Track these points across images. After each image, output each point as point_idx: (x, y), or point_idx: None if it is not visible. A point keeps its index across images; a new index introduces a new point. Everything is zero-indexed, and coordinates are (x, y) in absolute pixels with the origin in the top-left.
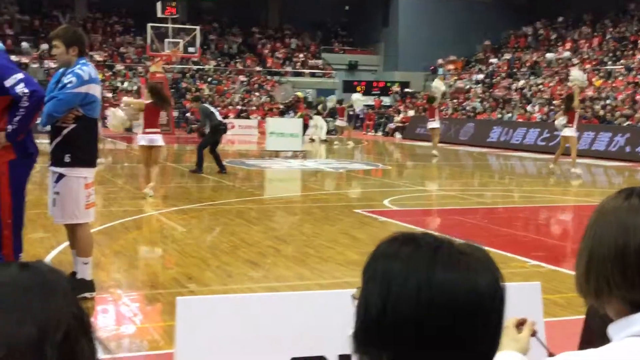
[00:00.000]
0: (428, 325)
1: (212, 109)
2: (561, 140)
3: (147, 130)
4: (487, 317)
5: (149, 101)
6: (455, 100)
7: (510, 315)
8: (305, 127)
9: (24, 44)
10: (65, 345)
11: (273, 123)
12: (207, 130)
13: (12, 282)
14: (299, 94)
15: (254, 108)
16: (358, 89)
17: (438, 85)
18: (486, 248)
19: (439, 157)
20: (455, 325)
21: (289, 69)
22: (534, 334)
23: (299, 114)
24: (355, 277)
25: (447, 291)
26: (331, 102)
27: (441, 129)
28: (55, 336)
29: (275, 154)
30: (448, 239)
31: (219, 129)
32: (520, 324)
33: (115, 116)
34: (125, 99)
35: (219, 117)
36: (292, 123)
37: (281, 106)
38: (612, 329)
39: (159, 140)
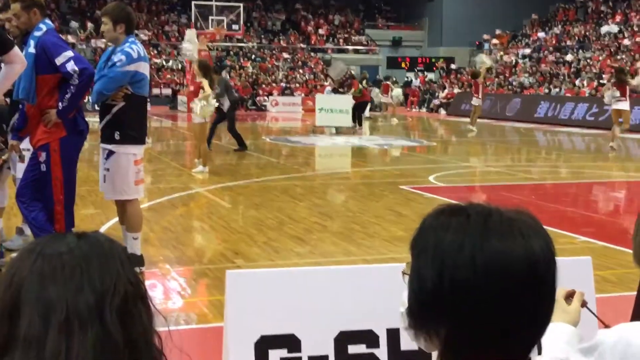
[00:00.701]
0: (485, 292)
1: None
2: (613, 115)
3: None
4: (543, 282)
5: (200, 79)
6: (501, 76)
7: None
8: (366, 103)
9: (72, 23)
10: (124, 310)
11: (323, 99)
12: (225, 106)
13: (69, 251)
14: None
15: (298, 85)
16: (402, 65)
17: (484, 60)
18: None
19: (476, 133)
20: (513, 291)
21: (332, 45)
22: (584, 304)
23: (352, 91)
24: (401, 252)
25: (502, 257)
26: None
27: (486, 105)
28: (113, 301)
29: (321, 131)
30: (496, 207)
31: (237, 104)
32: (569, 296)
33: (202, 108)
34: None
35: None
36: (342, 99)
37: (333, 84)
38: None
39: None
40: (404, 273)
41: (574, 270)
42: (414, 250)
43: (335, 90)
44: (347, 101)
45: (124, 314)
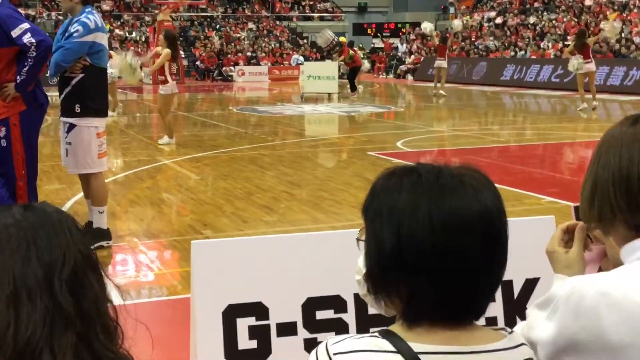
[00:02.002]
0: (444, 249)
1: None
2: (578, 77)
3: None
4: (499, 235)
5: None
6: (467, 40)
7: (523, 247)
8: (358, 68)
9: None
10: (74, 280)
11: (310, 67)
12: None
13: (15, 223)
14: (343, 39)
15: (264, 54)
16: (369, 31)
17: (458, 25)
18: (500, 186)
19: (447, 97)
20: (471, 246)
21: (297, 13)
22: (587, 246)
23: (342, 58)
24: None
25: (459, 213)
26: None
27: (452, 69)
28: (62, 272)
29: (313, 99)
30: (445, 165)
31: None
32: (568, 238)
33: (122, 60)
34: (155, 50)
35: None
36: (329, 66)
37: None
38: (622, 254)
39: (175, 87)
40: (358, 240)
41: (537, 229)
42: (367, 214)
43: (322, 58)
44: (333, 68)
45: (74, 284)
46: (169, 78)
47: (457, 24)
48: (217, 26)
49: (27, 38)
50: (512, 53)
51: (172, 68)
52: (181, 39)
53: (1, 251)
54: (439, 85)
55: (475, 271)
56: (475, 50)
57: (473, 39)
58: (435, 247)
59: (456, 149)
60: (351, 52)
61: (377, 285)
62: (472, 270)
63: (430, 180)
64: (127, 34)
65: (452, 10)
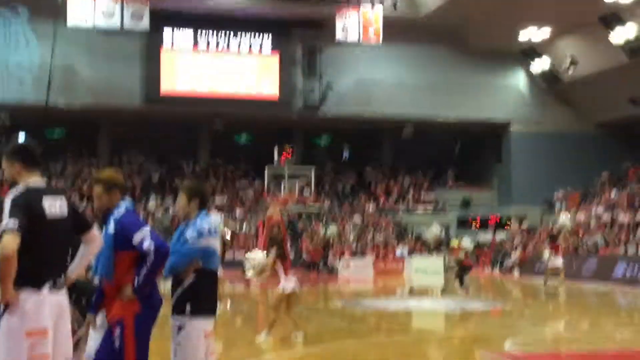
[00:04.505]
0: None
1: None
2: None
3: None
4: None
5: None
6: (575, 236)
7: None
8: (467, 268)
9: (151, 191)
10: None
11: (418, 261)
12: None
13: None
14: (455, 242)
15: (369, 247)
16: (473, 225)
17: (565, 222)
18: None
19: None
20: None
21: (402, 206)
22: None
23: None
24: None
25: None
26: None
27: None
28: None
29: (419, 292)
30: None
31: None
32: None
33: (255, 262)
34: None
35: None
36: (436, 261)
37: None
38: None
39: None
40: None
41: None
42: None
43: (429, 252)
44: (440, 263)
45: None
46: (281, 277)
47: (562, 221)
48: (324, 219)
49: (147, 244)
50: (623, 250)
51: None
52: (289, 231)
53: None
54: (549, 283)
55: None
56: (585, 246)
57: (581, 235)
58: None
59: (569, 354)
60: (461, 254)
61: None
62: None
63: None
64: (238, 227)
65: (557, 205)
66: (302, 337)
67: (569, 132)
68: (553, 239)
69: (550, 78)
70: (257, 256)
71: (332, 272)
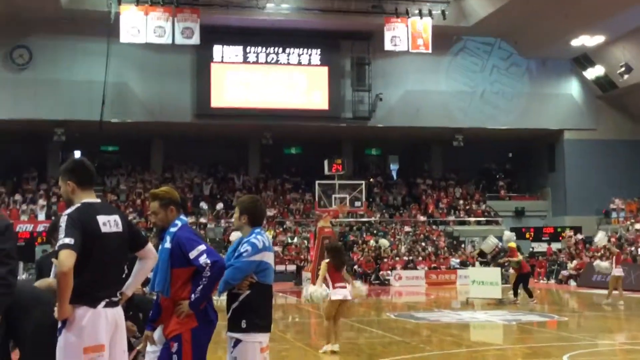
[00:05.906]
0: None
1: None
2: None
3: (337, 285)
4: None
5: (328, 260)
6: (633, 246)
7: None
8: (528, 275)
9: (202, 204)
10: None
11: (474, 272)
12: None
13: None
14: (512, 244)
15: (421, 259)
16: (527, 235)
17: (602, 239)
18: None
19: (610, 305)
20: None
21: (453, 217)
22: None
23: (514, 260)
24: None
25: None
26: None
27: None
28: None
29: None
30: None
31: None
32: None
33: (315, 293)
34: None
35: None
36: (492, 272)
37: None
38: None
39: (349, 294)
40: None
41: None
42: None
43: (484, 263)
44: (496, 274)
45: None
46: (330, 285)
47: (600, 238)
48: (375, 231)
49: (203, 259)
50: None
51: (338, 276)
52: (340, 243)
53: None
54: (614, 293)
55: None
56: None
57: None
58: None
59: None
60: (520, 257)
61: None
62: None
63: None
64: (289, 239)
65: (614, 214)
66: (337, 348)
67: (624, 139)
68: (619, 248)
69: (605, 84)
70: (316, 291)
71: (384, 283)
